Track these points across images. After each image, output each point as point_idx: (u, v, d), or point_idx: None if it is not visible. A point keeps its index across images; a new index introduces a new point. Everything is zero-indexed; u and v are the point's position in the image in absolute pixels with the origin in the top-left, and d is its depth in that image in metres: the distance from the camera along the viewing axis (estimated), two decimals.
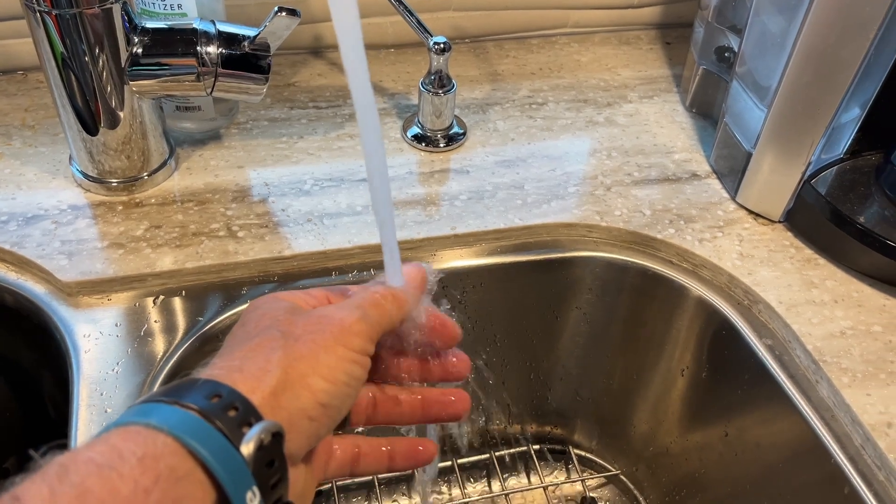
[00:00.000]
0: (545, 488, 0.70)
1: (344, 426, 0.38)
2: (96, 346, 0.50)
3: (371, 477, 0.69)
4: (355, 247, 0.56)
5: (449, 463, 0.70)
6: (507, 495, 0.69)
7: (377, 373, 0.39)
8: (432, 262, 0.58)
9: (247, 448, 0.28)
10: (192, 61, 0.53)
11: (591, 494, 0.70)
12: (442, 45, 0.61)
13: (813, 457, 0.49)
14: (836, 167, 0.58)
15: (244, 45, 0.54)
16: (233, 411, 0.29)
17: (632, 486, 0.70)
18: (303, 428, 0.32)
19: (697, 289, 0.57)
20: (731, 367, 0.56)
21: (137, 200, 0.58)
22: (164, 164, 0.59)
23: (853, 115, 0.56)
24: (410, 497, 0.69)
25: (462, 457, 0.71)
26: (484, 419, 0.70)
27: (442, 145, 0.65)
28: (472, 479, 0.71)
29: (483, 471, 0.72)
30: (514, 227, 0.59)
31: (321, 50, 0.76)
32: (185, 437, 0.27)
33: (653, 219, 0.60)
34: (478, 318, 0.62)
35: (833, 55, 0.51)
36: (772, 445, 0.54)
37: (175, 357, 0.50)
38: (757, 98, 0.58)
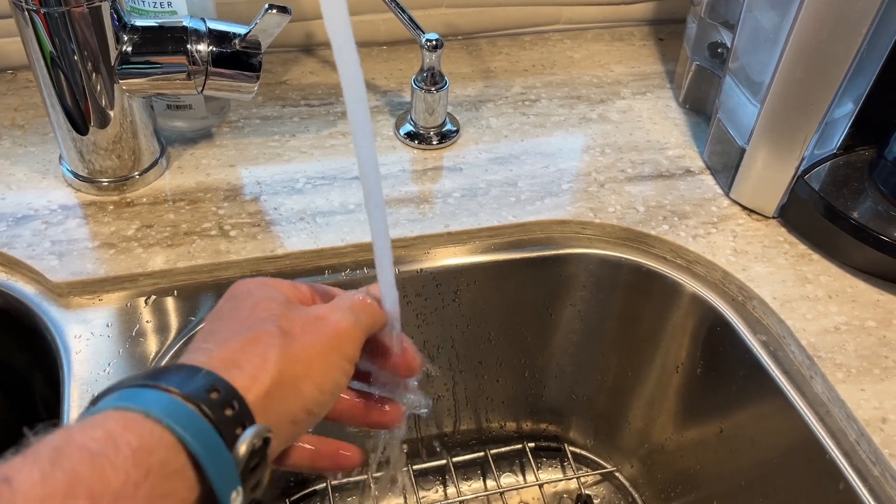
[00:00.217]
0: (540, 486, 0.69)
1: None
2: (87, 346, 0.49)
3: (366, 476, 0.68)
4: (348, 245, 0.56)
5: (444, 461, 0.70)
6: (502, 493, 0.69)
7: None
8: (426, 259, 0.57)
9: (239, 450, 0.28)
10: (182, 59, 0.53)
11: (587, 492, 0.70)
12: (434, 42, 0.61)
13: (808, 452, 0.49)
14: (829, 162, 0.58)
15: (235, 43, 0.54)
16: (229, 410, 0.28)
17: (627, 484, 0.70)
18: (285, 431, 0.32)
19: (691, 285, 0.57)
20: (725, 364, 0.56)
21: (128, 200, 0.58)
22: (155, 164, 0.59)
23: (846, 111, 0.56)
24: (405, 498, 0.69)
25: (457, 455, 0.71)
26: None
27: (435, 143, 0.65)
28: (467, 478, 0.71)
29: (478, 469, 0.72)
30: (507, 225, 0.58)
31: (313, 48, 0.75)
32: (184, 434, 0.27)
33: (646, 215, 0.60)
34: (472, 316, 0.61)
35: (826, 50, 0.50)
36: (766, 441, 0.54)
37: (167, 357, 0.50)
38: (750, 94, 0.57)
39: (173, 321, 0.52)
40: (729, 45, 0.61)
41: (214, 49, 0.53)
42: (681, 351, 0.60)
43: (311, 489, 0.68)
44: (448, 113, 0.67)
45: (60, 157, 0.58)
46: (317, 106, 0.68)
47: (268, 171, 0.61)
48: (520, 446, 0.72)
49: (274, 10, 0.52)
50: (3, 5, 0.53)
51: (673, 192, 0.62)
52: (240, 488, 0.28)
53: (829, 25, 0.49)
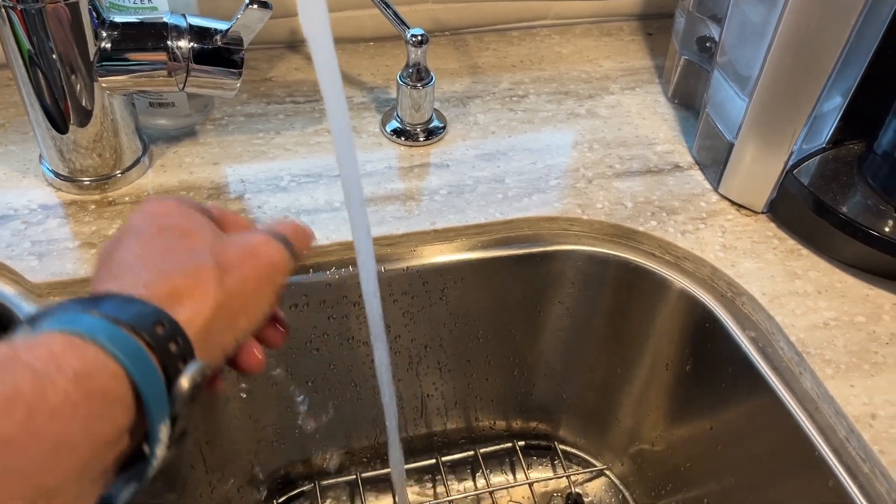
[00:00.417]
0: (531, 485, 0.69)
1: None
2: None
3: (354, 476, 0.68)
4: (333, 243, 0.55)
5: (433, 460, 0.70)
6: (492, 493, 0.69)
7: None
8: (412, 257, 0.57)
9: (182, 385, 0.29)
10: (162, 56, 0.52)
11: (577, 490, 0.69)
12: (419, 38, 0.60)
13: (797, 449, 0.49)
14: (818, 157, 0.58)
15: (216, 39, 0.53)
16: (174, 345, 0.29)
17: (618, 482, 0.70)
18: (217, 363, 0.33)
19: (680, 281, 0.57)
20: (714, 360, 0.56)
21: (110, 199, 0.57)
22: (137, 162, 0.58)
23: (835, 104, 0.56)
24: (394, 497, 0.68)
25: (446, 454, 0.70)
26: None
27: (421, 139, 0.64)
28: (456, 477, 0.71)
29: (468, 468, 0.71)
30: (494, 222, 0.58)
31: (298, 44, 0.74)
32: (129, 366, 0.27)
33: (635, 211, 0.59)
34: (459, 314, 0.61)
35: (813, 43, 0.50)
36: (756, 438, 0.53)
37: None
38: (738, 88, 0.57)
39: None
40: (717, 39, 0.61)
41: (196, 45, 0.53)
42: (670, 348, 0.59)
43: (298, 490, 0.68)
44: (435, 109, 0.66)
45: (41, 157, 0.58)
46: (302, 103, 0.67)
47: (252, 168, 0.60)
48: (510, 445, 0.71)
49: (255, 6, 0.51)
50: None
51: (661, 188, 0.61)
52: (168, 419, 0.29)
53: (816, 17, 0.49)
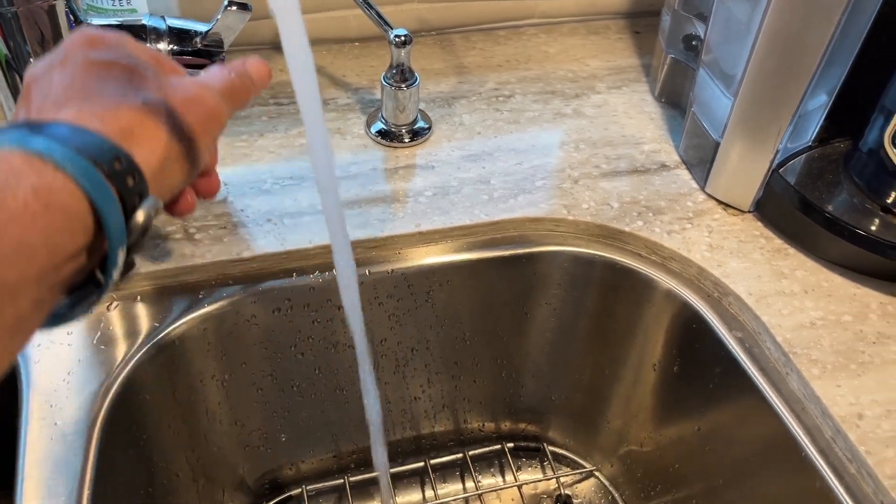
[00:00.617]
0: (520, 487, 0.69)
1: None
2: (47, 354, 0.48)
3: (342, 480, 0.67)
4: (316, 247, 0.54)
5: (422, 463, 0.69)
6: (481, 495, 0.68)
7: None
8: (397, 260, 0.56)
9: (138, 218, 0.30)
10: None
11: (566, 492, 0.69)
12: (403, 38, 0.60)
13: (784, 450, 0.48)
14: (804, 155, 0.58)
15: (196, 42, 0.53)
16: (131, 180, 0.30)
17: (607, 483, 0.69)
18: (164, 201, 0.34)
19: (667, 281, 0.56)
20: (701, 361, 0.56)
21: None
22: None
23: (820, 102, 0.55)
24: (380, 500, 0.68)
25: (435, 457, 0.70)
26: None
27: (406, 140, 0.63)
28: (445, 480, 0.70)
29: (456, 470, 0.71)
30: (480, 223, 0.57)
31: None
32: (89, 189, 0.28)
33: (621, 211, 0.59)
34: (446, 316, 0.60)
35: (798, 41, 0.50)
36: (744, 439, 0.53)
37: (130, 365, 0.49)
38: (723, 86, 0.57)
39: (137, 327, 0.51)
40: (703, 38, 0.61)
41: (175, 48, 0.52)
42: (657, 348, 0.59)
43: (286, 494, 0.67)
44: (420, 110, 0.65)
45: None
46: (286, 104, 0.67)
47: (235, 171, 0.60)
48: (498, 447, 0.71)
49: (234, 7, 0.51)
50: None
51: (648, 188, 0.61)
52: (124, 248, 0.30)
53: (800, 15, 0.49)
